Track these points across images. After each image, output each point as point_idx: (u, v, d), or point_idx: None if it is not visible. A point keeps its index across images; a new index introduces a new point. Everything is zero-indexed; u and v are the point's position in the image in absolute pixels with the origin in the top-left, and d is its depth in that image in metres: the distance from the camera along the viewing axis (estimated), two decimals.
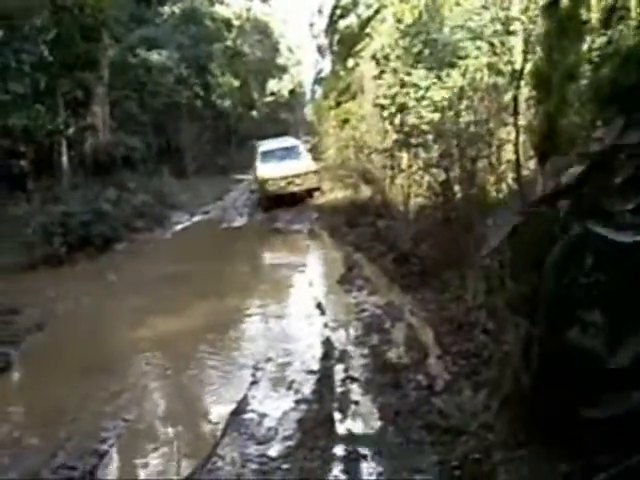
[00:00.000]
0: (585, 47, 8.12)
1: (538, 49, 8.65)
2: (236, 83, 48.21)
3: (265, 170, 30.95)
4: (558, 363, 4.99)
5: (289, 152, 32.58)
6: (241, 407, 9.58)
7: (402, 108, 17.41)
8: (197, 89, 42.51)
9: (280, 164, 30.93)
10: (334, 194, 28.13)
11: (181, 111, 41.41)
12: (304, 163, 31.11)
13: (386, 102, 19.52)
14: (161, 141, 39.32)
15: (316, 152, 35.53)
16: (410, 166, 17.95)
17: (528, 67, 9.53)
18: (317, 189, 30.48)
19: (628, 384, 4.12)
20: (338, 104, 30.44)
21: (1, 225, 24.17)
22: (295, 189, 29.79)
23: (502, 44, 13.56)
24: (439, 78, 16.43)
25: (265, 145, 34.95)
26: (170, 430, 9.54)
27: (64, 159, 29.35)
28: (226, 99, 47.12)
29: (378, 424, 8.49)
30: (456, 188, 14.37)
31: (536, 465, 5.98)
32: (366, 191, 23.39)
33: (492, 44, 14.57)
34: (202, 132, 44.11)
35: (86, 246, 21.88)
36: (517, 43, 12.58)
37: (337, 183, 28.89)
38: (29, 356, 13.19)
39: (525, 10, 11.92)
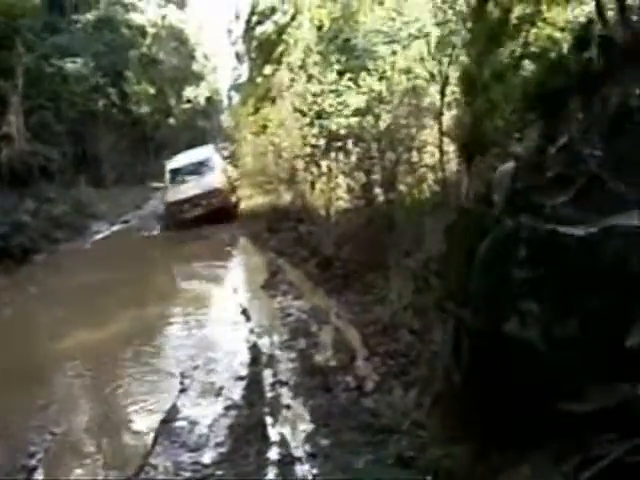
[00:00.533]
0: (511, 51, 8.29)
1: (464, 53, 8.80)
2: (152, 90, 47.86)
3: (171, 193, 28.29)
4: (491, 357, 5.08)
5: (200, 168, 29.18)
6: (171, 415, 9.52)
7: (320, 114, 17.49)
8: (113, 97, 42.10)
9: (186, 184, 28.06)
10: (254, 200, 28.02)
11: (98, 119, 40.94)
12: (211, 180, 28.19)
13: (304, 108, 19.60)
14: (78, 150, 38.78)
15: (234, 159, 35.12)
16: (330, 170, 18.04)
17: (454, 70, 9.68)
18: (232, 208, 27.90)
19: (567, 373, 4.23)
20: (256, 110, 30.32)
21: None
22: (200, 212, 26.99)
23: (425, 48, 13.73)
24: (356, 83, 16.55)
25: (174, 162, 31.06)
26: (100, 442, 9.44)
27: None
28: (142, 107, 46.77)
29: (310, 427, 8.52)
30: (377, 191, 14.50)
31: (471, 460, 6.06)
32: (287, 196, 23.39)
33: (406, 48, 14.75)
34: (119, 140, 43.70)
35: (4, 258, 21.49)
36: (433, 47, 12.77)
37: (257, 189, 28.80)
38: None
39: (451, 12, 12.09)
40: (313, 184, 20.24)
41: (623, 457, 4.16)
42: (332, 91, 17.20)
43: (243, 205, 28.80)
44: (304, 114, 19.19)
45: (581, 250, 3.54)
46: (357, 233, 14.69)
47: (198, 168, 29.14)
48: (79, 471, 8.62)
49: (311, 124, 18.38)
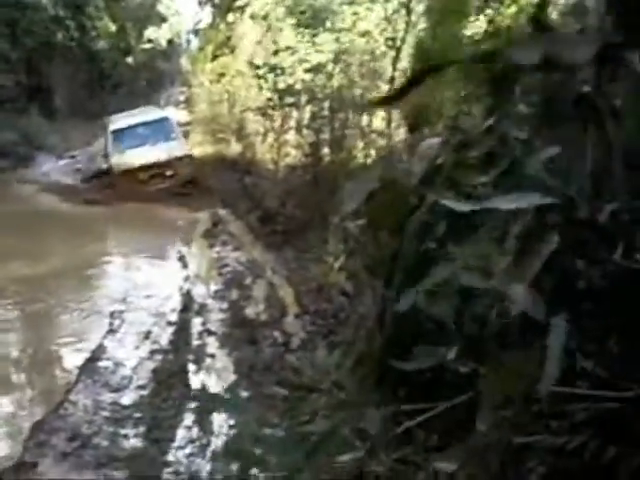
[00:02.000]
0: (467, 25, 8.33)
1: (421, 22, 8.84)
2: (113, 27, 47.20)
3: (120, 159, 22.49)
4: (407, 326, 5.19)
5: (154, 130, 23.59)
6: (96, 354, 9.55)
7: (276, 68, 17.44)
8: (72, 30, 41.44)
9: (140, 149, 22.49)
10: (204, 148, 27.80)
11: (55, 51, 40.29)
12: (176, 145, 22.93)
13: (261, 61, 19.52)
14: (32, 80, 38.16)
15: (190, 105, 34.70)
16: (282, 126, 18.04)
17: (410, 38, 9.72)
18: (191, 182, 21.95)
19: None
20: (214, 57, 30.03)
21: None
22: (164, 184, 21.54)
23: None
24: (314, 40, 16.51)
25: (119, 121, 25.11)
26: (23, 376, 9.47)
27: None
28: (102, 43, 46.10)
29: (232, 378, 8.61)
30: (325, 150, 14.55)
31: (382, 423, 6.18)
32: (237, 147, 23.32)
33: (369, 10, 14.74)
34: (75, 75, 43.06)
35: None
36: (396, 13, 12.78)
37: (208, 137, 28.59)
38: None
39: None
40: (264, 137, 20.21)
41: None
42: (289, 47, 17.15)
43: (192, 151, 28.55)
44: (258, 67, 19.06)
45: (466, 226, 3.68)
46: (302, 191, 14.72)
47: (154, 131, 23.59)
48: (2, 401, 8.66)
49: (266, 78, 18.28)
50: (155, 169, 21.86)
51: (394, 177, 3.70)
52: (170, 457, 7.04)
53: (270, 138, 19.39)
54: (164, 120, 24.42)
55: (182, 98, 38.67)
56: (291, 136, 17.44)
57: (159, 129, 23.58)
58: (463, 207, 3.31)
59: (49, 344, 10.39)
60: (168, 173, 21.88)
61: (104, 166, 23.88)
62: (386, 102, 2.43)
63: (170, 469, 6.83)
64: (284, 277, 12.24)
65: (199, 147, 27.97)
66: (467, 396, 4.47)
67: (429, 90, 7.68)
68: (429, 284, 4.13)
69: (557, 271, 3.40)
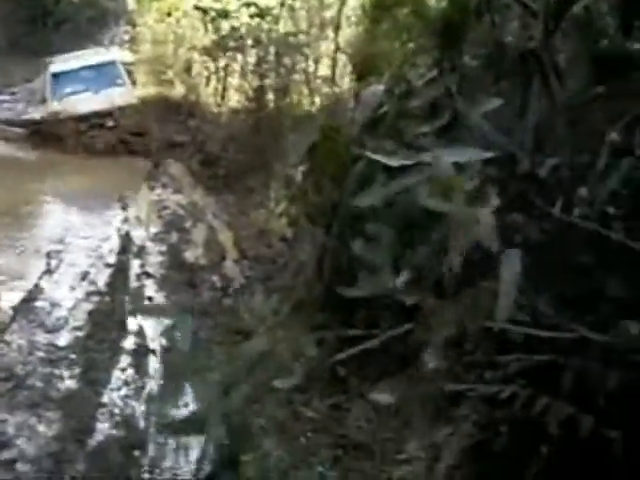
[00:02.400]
0: None
1: None
2: None
3: (58, 106, 20.03)
4: (344, 274, 5.24)
5: (99, 75, 21.21)
6: (32, 295, 9.46)
7: (223, 11, 17.18)
8: None
9: (82, 96, 20.14)
10: (146, 90, 27.32)
11: None
12: (122, 92, 20.80)
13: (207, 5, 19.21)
14: None
15: (134, 44, 34.01)
16: (226, 68, 17.85)
17: None
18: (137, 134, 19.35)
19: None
20: None
21: None
22: (104, 136, 19.21)
23: None
24: None
25: (61, 64, 22.27)
26: None
27: None
28: None
29: (168, 322, 8.58)
30: (270, 96, 14.45)
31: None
32: (180, 89, 23.01)
33: None
34: (15, 10, 42.10)
35: None
36: None
37: (151, 78, 28.12)
38: None
39: None
40: (208, 80, 19.98)
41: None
42: None
43: (136, 93, 28.09)
44: (204, 10, 18.75)
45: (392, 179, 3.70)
46: (245, 136, 14.63)
47: (99, 75, 21.25)
48: None
49: (212, 19, 18.00)
50: (96, 119, 19.52)
51: (336, 126, 3.68)
52: (104, 398, 7.03)
53: (214, 81, 19.18)
54: (110, 64, 21.96)
55: (127, 37, 37.91)
56: (236, 80, 17.26)
57: (105, 74, 21.17)
58: (394, 162, 3.31)
59: None
60: (110, 124, 19.55)
61: (39, 114, 20.72)
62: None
63: (104, 410, 6.83)
64: (224, 221, 12.20)
65: (142, 88, 27.50)
66: (408, 328, 4.53)
67: (377, 38, 7.63)
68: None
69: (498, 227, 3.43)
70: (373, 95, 4.38)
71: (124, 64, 24.20)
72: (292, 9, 14.74)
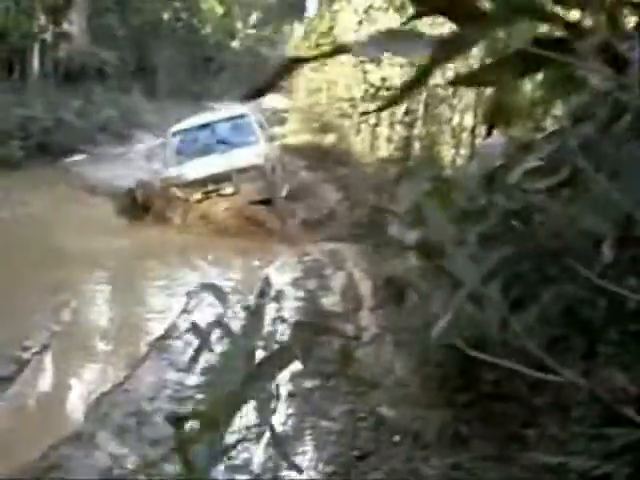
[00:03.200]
0: None
1: None
2: (220, 10, 47.72)
3: (174, 173, 17.15)
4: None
5: (227, 132, 18.46)
6: (168, 334, 9.64)
7: (373, 61, 17.35)
8: (179, 12, 42.05)
9: (205, 159, 17.07)
10: (298, 137, 27.69)
11: (161, 31, 40.93)
12: (252, 151, 17.00)
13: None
14: (136, 59, 38.86)
15: (290, 92, 34.66)
16: (378, 119, 18.00)
17: None
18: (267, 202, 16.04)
19: None
20: (317, 46, 29.98)
21: None
22: (220, 208, 15.86)
23: None
24: None
25: (184, 122, 19.72)
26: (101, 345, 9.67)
27: (35, 63, 29.00)
28: (207, 25, 46.65)
29: (298, 367, 8.56)
30: (416, 145, 14.47)
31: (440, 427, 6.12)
32: (331, 137, 23.33)
33: None
34: (179, 56, 43.71)
35: (44, 153, 21.76)
36: None
37: (304, 125, 28.58)
38: None
39: None
40: (358, 129, 20.19)
41: None
42: None
43: (288, 140, 28.54)
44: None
45: None
46: (391, 185, 14.64)
47: (226, 131, 18.56)
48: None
49: (363, 69, 18.24)
50: (216, 185, 16.32)
51: (447, 177, 3.61)
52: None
53: (364, 132, 19.37)
54: (241, 118, 18.60)
55: (284, 85, 38.66)
56: (384, 129, 17.39)
57: (234, 130, 18.40)
58: None
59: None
60: (231, 190, 16.20)
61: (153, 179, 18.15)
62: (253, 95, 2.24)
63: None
64: (363, 270, 12.19)
65: (294, 135, 28.00)
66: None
67: (510, 88, 7.50)
68: None
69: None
70: (490, 147, 4.27)
71: (278, 111, 24.61)
72: None
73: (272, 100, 31.41)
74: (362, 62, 18.22)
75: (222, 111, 20.91)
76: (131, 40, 37.80)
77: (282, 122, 29.25)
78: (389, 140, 16.82)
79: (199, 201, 16.07)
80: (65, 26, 30.89)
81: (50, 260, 12.70)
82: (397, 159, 15.56)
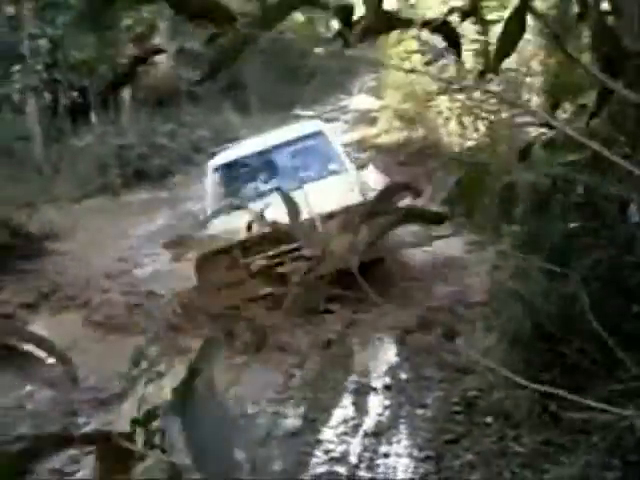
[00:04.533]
0: None
1: None
2: (302, 18, 48.03)
3: (218, 224, 10.10)
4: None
5: (298, 158, 13.04)
6: None
7: None
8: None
9: (265, 199, 9.16)
10: (389, 135, 27.59)
11: (245, 46, 41.40)
12: (334, 186, 11.70)
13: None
14: (225, 76, 39.39)
15: (378, 91, 34.40)
16: (463, 107, 18.06)
17: None
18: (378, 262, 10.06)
19: None
20: (400, 41, 29.82)
21: (62, 156, 24.77)
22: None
23: None
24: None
25: (230, 149, 14.44)
26: None
27: (126, 93, 29.81)
28: (291, 34, 46.99)
29: (394, 360, 8.78)
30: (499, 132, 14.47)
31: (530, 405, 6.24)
32: (420, 132, 23.37)
33: None
34: (266, 68, 44.15)
35: (142, 178, 22.43)
36: None
37: (394, 123, 28.51)
38: None
39: None
40: (447, 121, 20.21)
41: None
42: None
43: (380, 140, 28.45)
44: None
45: None
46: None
47: (298, 158, 13.03)
48: None
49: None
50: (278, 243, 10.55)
51: (482, 162, 3.73)
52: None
53: (453, 122, 19.39)
54: (314, 137, 13.06)
55: (374, 84, 38.74)
56: (469, 118, 17.42)
57: (305, 156, 12.91)
58: None
59: None
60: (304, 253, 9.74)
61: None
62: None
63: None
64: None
65: (386, 135, 28.00)
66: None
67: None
68: None
69: None
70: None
71: (367, 112, 24.13)
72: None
73: (361, 101, 31.56)
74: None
75: (285, 130, 14.75)
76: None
77: (372, 122, 29.30)
78: (475, 128, 16.85)
79: (263, 272, 10.53)
80: (151, 51, 31.64)
81: None
82: (485, 146, 15.55)
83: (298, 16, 47.71)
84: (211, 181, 13.13)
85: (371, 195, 9.65)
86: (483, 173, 3.35)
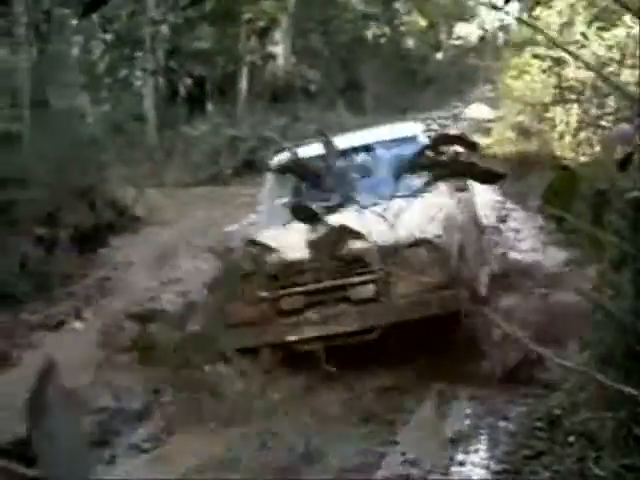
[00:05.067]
0: None
1: None
2: (423, 23, 47.89)
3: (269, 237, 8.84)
4: None
5: (381, 167, 9.88)
6: None
7: (557, 60, 17.09)
8: (382, 27, 42.51)
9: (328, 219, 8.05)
10: (502, 147, 27.16)
11: (365, 48, 41.49)
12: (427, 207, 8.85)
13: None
14: (341, 76, 39.57)
15: (494, 101, 34.11)
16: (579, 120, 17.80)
17: None
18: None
19: None
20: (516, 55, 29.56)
21: (174, 142, 25.25)
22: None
23: None
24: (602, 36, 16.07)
25: (304, 150, 10.25)
26: None
27: (243, 85, 30.22)
28: (411, 39, 46.91)
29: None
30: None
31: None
32: (533, 145, 23.06)
33: None
34: (384, 71, 44.13)
35: (251, 170, 22.70)
36: None
37: (508, 134, 28.15)
38: None
39: None
40: (561, 134, 19.93)
41: None
42: (577, 42, 16.75)
43: (494, 151, 28.01)
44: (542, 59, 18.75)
45: None
46: None
47: (381, 167, 9.98)
48: None
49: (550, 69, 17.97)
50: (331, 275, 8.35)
51: (570, 166, 3.63)
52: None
53: (567, 135, 19.12)
54: (410, 142, 9.70)
55: (491, 95, 38.44)
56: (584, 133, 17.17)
57: (394, 165, 9.50)
58: None
59: None
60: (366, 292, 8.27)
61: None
62: None
63: None
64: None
65: (499, 146, 27.59)
66: None
67: None
68: None
69: None
70: (621, 135, 4.19)
71: (482, 121, 23.97)
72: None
73: (477, 110, 31.26)
74: (550, 67, 17.97)
75: (374, 129, 11.88)
76: (335, 58, 38.56)
77: (486, 133, 28.94)
78: (589, 143, 16.58)
79: (295, 315, 8.30)
80: (269, 48, 32.01)
81: None
82: (598, 161, 15.27)
83: (420, 22, 47.61)
84: (270, 184, 10.91)
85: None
86: (576, 177, 3.27)
